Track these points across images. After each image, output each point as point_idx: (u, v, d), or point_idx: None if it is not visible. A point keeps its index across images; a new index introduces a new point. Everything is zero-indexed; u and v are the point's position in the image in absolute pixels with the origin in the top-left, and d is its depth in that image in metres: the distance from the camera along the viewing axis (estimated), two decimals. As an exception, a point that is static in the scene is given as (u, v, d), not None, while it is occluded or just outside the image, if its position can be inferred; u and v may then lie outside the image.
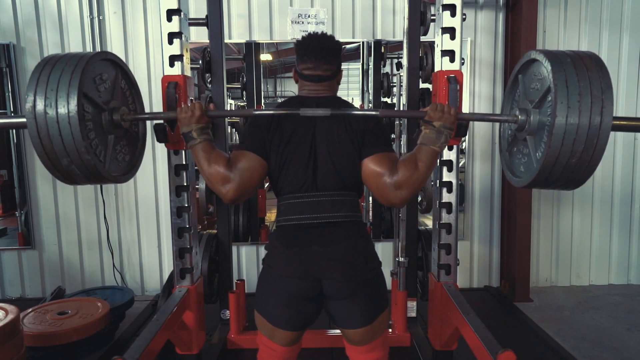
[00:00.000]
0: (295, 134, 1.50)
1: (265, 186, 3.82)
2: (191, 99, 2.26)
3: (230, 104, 4.46)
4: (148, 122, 1.90)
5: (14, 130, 3.53)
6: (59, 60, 1.34)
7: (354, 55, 3.71)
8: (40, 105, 1.26)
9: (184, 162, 2.31)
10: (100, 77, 1.46)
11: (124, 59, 3.53)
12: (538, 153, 1.32)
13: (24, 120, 1.31)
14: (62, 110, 1.26)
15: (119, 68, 1.57)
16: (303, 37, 1.59)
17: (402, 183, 1.40)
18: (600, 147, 1.15)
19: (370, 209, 3.91)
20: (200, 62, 2.63)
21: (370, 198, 3.91)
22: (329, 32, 3.53)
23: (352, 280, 1.47)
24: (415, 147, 1.48)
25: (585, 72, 1.15)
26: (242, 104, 3.77)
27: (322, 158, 1.50)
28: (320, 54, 1.54)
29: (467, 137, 3.69)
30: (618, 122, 1.23)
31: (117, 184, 3.61)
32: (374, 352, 1.59)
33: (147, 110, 3.59)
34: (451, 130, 1.46)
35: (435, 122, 1.45)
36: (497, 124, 3.73)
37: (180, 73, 2.25)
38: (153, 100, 3.57)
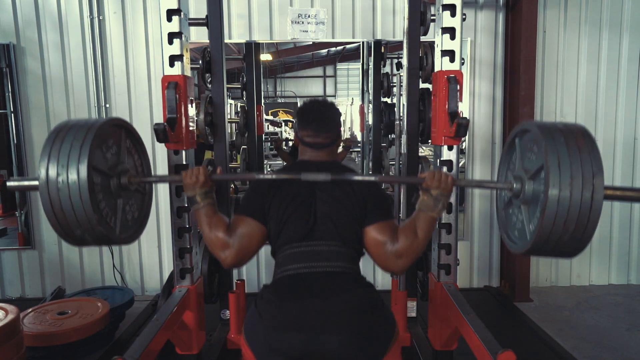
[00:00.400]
0: (296, 198, 1.53)
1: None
2: (192, 99, 2.26)
3: (230, 103, 4.47)
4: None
5: (14, 131, 3.54)
6: (68, 131, 1.37)
7: (354, 55, 3.71)
8: (52, 180, 1.31)
9: (184, 162, 2.31)
10: (107, 144, 1.49)
11: (124, 59, 3.57)
12: (531, 225, 1.38)
13: (36, 183, 1.36)
14: (74, 185, 1.31)
15: (123, 129, 1.59)
16: (304, 104, 1.66)
17: (403, 252, 1.44)
18: (591, 225, 1.22)
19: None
20: (200, 62, 2.63)
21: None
22: (329, 32, 3.57)
23: (355, 336, 1.37)
24: (414, 213, 1.50)
25: (578, 154, 1.22)
26: (242, 104, 3.77)
27: (322, 216, 1.51)
28: (320, 124, 1.61)
29: (467, 137, 3.69)
30: (611, 193, 1.29)
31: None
32: None
33: (147, 107, 3.59)
34: (448, 197, 1.49)
35: (433, 190, 1.47)
36: (497, 124, 3.74)
37: (180, 73, 2.25)
38: (153, 100, 3.58)
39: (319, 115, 1.62)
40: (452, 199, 2.31)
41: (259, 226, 1.51)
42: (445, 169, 2.29)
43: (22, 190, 1.48)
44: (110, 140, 1.50)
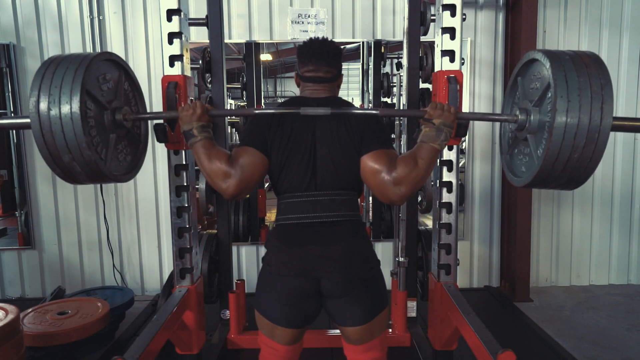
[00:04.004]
0: (296, 134, 1.51)
1: (265, 186, 3.82)
2: (191, 99, 2.27)
3: (230, 104, 4.46)
4: (150, 125, 1.90)
5: (14, 131, 3.53)
6: (64, 59, 1.35)
7: (354, 55, 3.71)
8: (43, 103, 1.27)
9: (184, 162, 2.31)
10: (104, 76, 1.47)
11: (124, 59, 3.56)
12: (539, 150, 1.32)
13: (27, 121, 1.32)
14: (65, 107, 1.26)
15: (122, 69, 1.58)
16: (304, 41, 1.62)
17: (402, 179, 1.39)
18: (601, 142, 1.16)
19: (370, 209, 3.91)
20: (200, 62, 2.63)
21: (371, 198, 3.91)
22: (329, 32, 3.57)
23: (350, 279, 1.48)
24: (415, 145, 1.48)
25: (585, 68, 1.16)
26: (242, 104, 3.77)
27: (322, 157, 1.51)
28: (321, 56, 1.58)
29: (467, 137, 3.69)
30: (618, 123, 1.23)
31: (117, 183, 3.62)
32: (372, 351, 1.59)
33: (147, 107, 3.58)
34: (451, 129, 1.47)
35: (435, 119, 1.46)
36: (497, 125, 3.73)
37: (180, 73, 2.25)
38: (153, 100, 3.57)
39: (321, 49, 1.59)
40: (453, 199, 2.31)
41: (261, 156, 1.49)
42: (445, 169, 2.29)
43: (14, 127, 1.46)
44: (107, 74, 1.48)
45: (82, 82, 1.29)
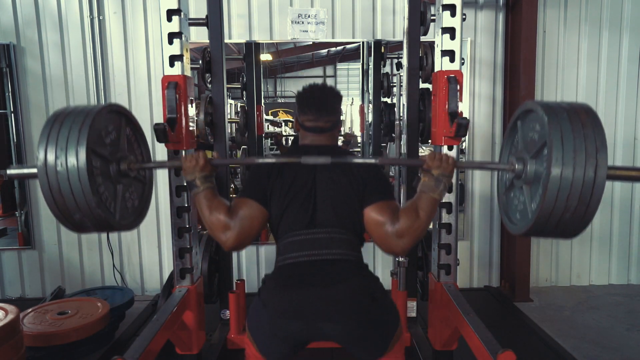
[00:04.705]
0: (297, 181, 1.52)
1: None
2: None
3: (230, 103, 4.46)
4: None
5: (14, 130, 3.54)
6: (67, 116, 1.37)
7: (354, 55, 3.71)
8: (51, 164, 1.31)
9: (184, 162, 2.31)
10: (107, 129, 1.50)
11: (124, 59, 3.57)
12: (533, 204, 1.35)
13: (35, 170, 1.35)
14: (72, 168, 1.30)
15: (123, 117, 1.60)
16: (304, 89, 1.63)
17: (404, 232, 1.40)
18: (593, 203, 1.20)
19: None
20: (200, 62, 2.63)
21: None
22: (329, 32, 3.57)
23: (358, 324, 1.39)
24: (415, 195, 1.48)
25: (581, 129, 1.20)
26: (242, 104, 3.77)
27: (322, 201, 1.51)
28: (321, 107, 1.59)
29: (467, 137, 3.69)
30: (613, 172, 1.26)
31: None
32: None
33: (147, 107, 3.59)
34: (450, 178, 1.48)
35: (434, 170, 1.46)
36: (497, 125, 3.74)
37: (180, 73, 2.25)
38: (153, 100, 3.58)
39: (320, 99, 1.60)
40: (452, 199, 2.31)
41: (261, 208, 1.50)
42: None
43: (22, 177, 1.48)
44: (110, 125, 1.49)
45: (86, 143, 1.32)
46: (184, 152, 2.30)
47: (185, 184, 2.32)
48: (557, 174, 1.18)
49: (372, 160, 1.58)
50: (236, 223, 1.45)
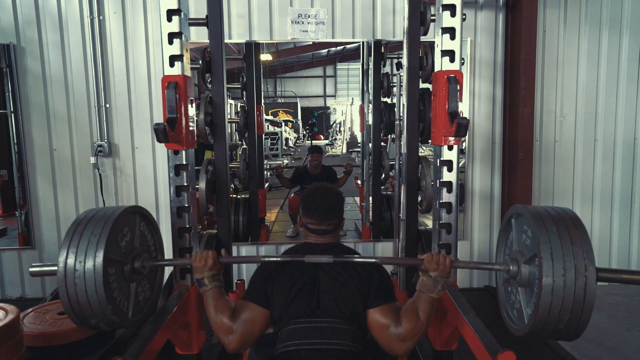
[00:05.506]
0: (300, 280, 1.58)
1: (266, 186, 3.82)
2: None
3: (230, 103, 4.47)
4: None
5: (14, 131, 3.54)
6: (87, 224, 1.45)
7: (354, 55, 3.71)
8: (70, 273, 1.40)
9: (184, 162, 2.31)
10: (122, 233, 1.55)
11: (124, 59, 3.57)
12: (528, 310, 1.42)
13: (54, 269, 1.43)
14: (90, 279, 1.39)
15: (138, 214, 1.64)
16: (309, 193, 1.72)
17: (407, 335, 1.47)
18: (586, 313, 1.29)
19: (370, 209, 3.91)
20: (200, 62, 2.62)
21: (371, 198, 3.91)
22: (329, 32, 3.57)
23: None
24: (415, 294, 1.56)
25: (570, 244, 1.29)
26: (242, 104, 3.77)
27: (325, 298, 1.56)
28: (323, 212, 1.68)
29: (467, 137, 3.69)
30: (605, 275, 1.35)
31: (117, 185, 3.63)
32: None
33: (147, 107, 3.59)
34: (447, 279, 1.55)
35: (432, 272, 1.52)
36: (497, 124, 3.74)
37: (180, 73, 2.25)
38: (153, 100, 3.58)
39: (323, 206, 1.68)
40: (453, 199, 2.31)
41: (262, 311, 1.57)
42: (445, 169, 2.29)
43: (44, 275, 1.57)
44: (125, 228, 1.57)
45: (103, 254, 1.40)
46: (184, 152, 2.29)
47: (185, 184, 2.33)
48: (548, 290, 1.26)
49: (372, 260, 1.66)
50: (239, 326, 1.53)
